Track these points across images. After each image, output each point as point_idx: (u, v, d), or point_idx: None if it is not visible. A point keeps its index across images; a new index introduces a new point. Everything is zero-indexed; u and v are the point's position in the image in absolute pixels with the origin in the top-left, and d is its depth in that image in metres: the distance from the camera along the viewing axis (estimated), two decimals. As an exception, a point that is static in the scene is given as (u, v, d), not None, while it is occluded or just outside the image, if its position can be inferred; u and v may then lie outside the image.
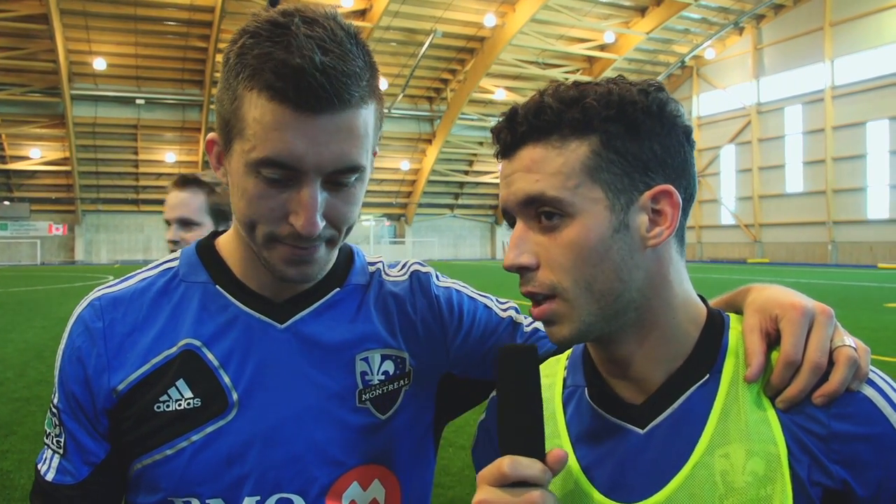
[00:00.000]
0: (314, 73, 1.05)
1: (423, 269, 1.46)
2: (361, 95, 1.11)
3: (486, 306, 1.46)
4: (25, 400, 8.71)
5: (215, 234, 1.39)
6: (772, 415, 1.02)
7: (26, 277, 34.15)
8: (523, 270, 1.09)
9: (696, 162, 1.13)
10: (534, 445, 0.99)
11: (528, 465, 0.96)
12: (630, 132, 1.05)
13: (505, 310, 1.47)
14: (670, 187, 1.06)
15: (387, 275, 1.42)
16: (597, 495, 1.09)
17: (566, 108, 1.05)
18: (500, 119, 1.12)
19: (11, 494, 5.56)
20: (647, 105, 1.05)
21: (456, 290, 1.46)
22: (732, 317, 1.14)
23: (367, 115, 1.14)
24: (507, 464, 0.96)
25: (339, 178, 1.14)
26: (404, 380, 1.34)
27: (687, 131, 1.09)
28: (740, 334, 1.10)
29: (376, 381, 1.31)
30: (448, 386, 1.40)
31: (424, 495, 1.41)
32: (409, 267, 1.46)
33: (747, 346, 1.06)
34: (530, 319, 1.42)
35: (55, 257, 52.20)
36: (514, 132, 1.08)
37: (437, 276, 1.47)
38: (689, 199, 1.10)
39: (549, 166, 1.05)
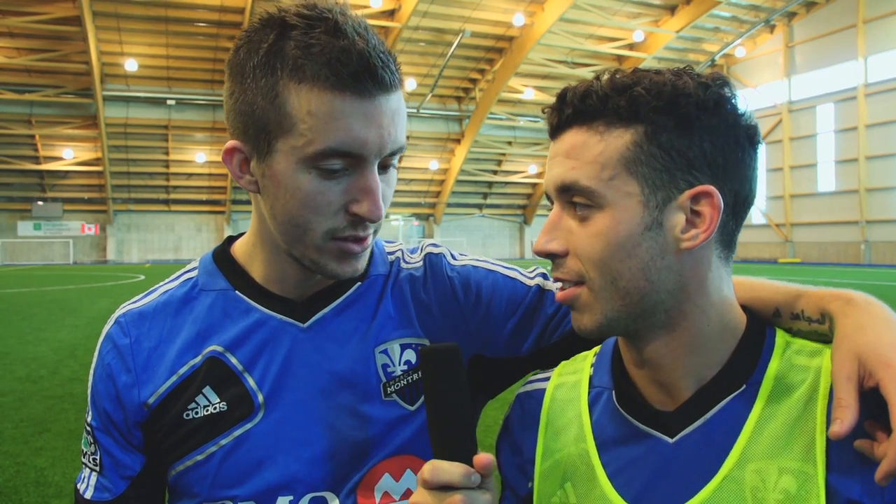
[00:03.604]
0: (369, 56, 1.06)
1: (436, 251, 1.43)
2: (399, 76, 1.13)
3: (506, 276, 1.41)
4: (59, 398, 8.83)
5: (231, 240, 1.38)
6: (819, 435, 0.97)
7: (59, 277, 34.61)
8: (552, 257, 1.07)
9: (758, 165, 1.07)
10: (460, 448, 0.99)
11: (448, 471, 0.96)
12: (680, 126, 0.99)
13: (532, 277, 1.42)
14: (712, 188, 1.00)
15: (405, 262, 1.40)
16: None
17: (614, 94, 1.01)
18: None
19: (46, 491, 5.64)
20: (703, 99, 1.00)
21: (473, 265, 1.42)
22: (779, 332, 1.10)
23: (401, 96, 1.16)
24: (427, 470, 0.97)
25: (389, 160, 1.15)
26: None
27: (750, 132, 1.03)
28: (784, 352, 1.06)
29: (399, 372, 1.28)
30: (480, 367, 1.36)
31: None
32: (423, 250, 1.43)
33: (840, 397, 0.94)
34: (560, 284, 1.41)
35: (87, 257, 52.85)
36: (560, 114, 1.06)
37: (451, 256, 1.43)
38: (741, 203, 1.04)
39: (587, 153, 1.02)
